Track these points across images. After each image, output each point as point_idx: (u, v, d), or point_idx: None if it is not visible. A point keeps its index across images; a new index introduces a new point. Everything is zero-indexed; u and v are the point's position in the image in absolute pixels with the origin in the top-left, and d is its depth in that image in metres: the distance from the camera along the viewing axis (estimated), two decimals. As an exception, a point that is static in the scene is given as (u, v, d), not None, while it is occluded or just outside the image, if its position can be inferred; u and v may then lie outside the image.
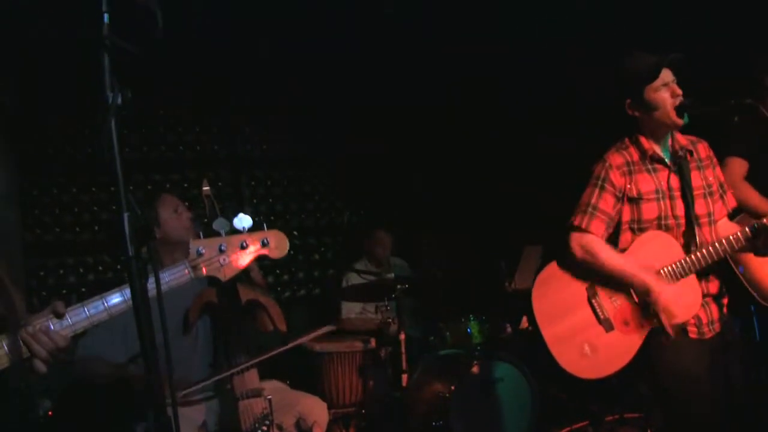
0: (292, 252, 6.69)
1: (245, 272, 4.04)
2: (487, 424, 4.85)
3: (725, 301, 3.28)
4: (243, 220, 2.37)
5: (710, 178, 3.34)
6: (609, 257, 3.23)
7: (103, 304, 2.27)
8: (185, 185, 6.43)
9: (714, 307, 3.22)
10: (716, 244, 3.14)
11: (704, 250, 3.13)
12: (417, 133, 7.00)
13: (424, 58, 6.25)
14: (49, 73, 5.41)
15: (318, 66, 6.32)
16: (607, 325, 3.23)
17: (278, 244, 2.44)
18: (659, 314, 3.08)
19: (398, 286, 5.12)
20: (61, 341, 2.25)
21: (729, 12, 5.00)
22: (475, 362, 4.95)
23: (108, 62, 1.92)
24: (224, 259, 2.35)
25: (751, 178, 3.97)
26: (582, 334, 3.25)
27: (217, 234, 2.36)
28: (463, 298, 6.16)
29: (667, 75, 3.19)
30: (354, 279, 5.97)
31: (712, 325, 3.20)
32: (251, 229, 2.39)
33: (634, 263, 3.18)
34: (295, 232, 6.82)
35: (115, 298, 2.29)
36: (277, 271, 6.84)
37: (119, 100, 1.91)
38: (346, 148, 7.04)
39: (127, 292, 2.24)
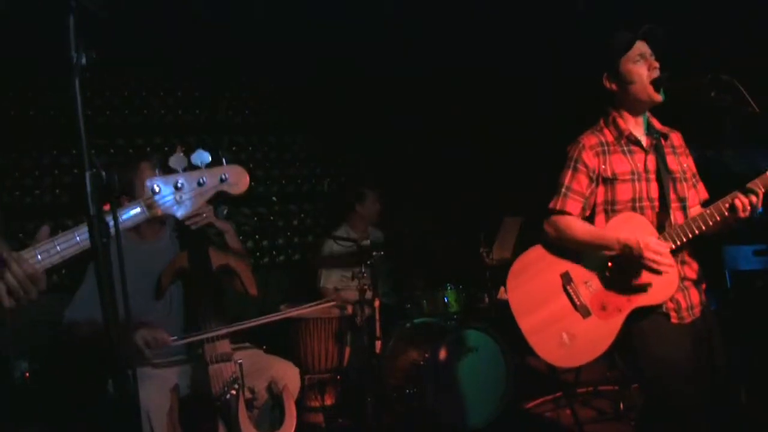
0: (272, 218, 6.78)
1: (221, 236, 4.05)
2: (460, 393, 4.88)
3: (704, 286, 3.28)
4: (201, 156, 2.23)
5: (684, 165, 3.34)
6: (583, 228, 3.24)
7: (76, 237, 2.20)
8: (165, 149, 6.38)
9: (693, 292, 3.21)
10: (690, 221, 3.13)
11: (678, 228, 3.12)
12: (400, 101, 6.97)
13: (407, 25, 6.22)
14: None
15: (300, 32, 6.27)
16: (583, 311, 3.21)
17: (238, 180, 2.28)
18: (650, 265, 3.06)
19: (374, 253, 5.11)
20: (32, 271, 2.17)
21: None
22: (450, 331, 4.97)
23: (73, 22, 1.90)
24: (181, 197, 2.21)
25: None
26: (559, 323, 3.22)
27: (174, 171, 2.22)
28: (441, 268, 6.18)
29: (643, 47, 3.19)
30: (336, 247, 5.96)
31: (691, 309, 3.19)
32: (209, 165, 2.25)
33: (608, 230, 3.19)
34: (274, 198, 6.78)
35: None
36: (257, 237, 6.82)
37: (83, 61, 1.89)
38: (328, 115, 7.00)
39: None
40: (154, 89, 6.47)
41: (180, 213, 2.23)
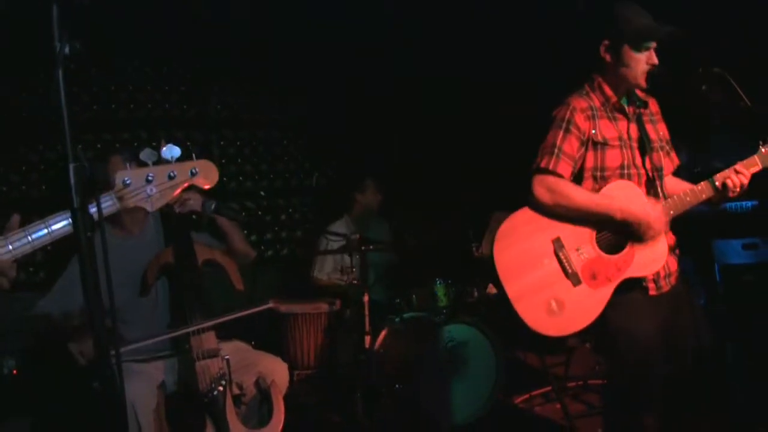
0: (260, 213, 6.76)
1: (226, 240, 4.05)
2: (450, 387, 4.86)
3: (678, 252, 3.27)
4: (171, 150, 2.28)
5: (660, 133, 3.33)
6: (582, 194, 3.13)
7: (46, 228, 2.21)
8: (153, 144, 6.34)
9: (671, 259, 3.21)
10: (682, 195, 3.13)
11: (677, 199, 3.12)
12: (389, 97, 6.95)
13: (397, 24, 6.21)
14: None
15: (289, 27, 6.26)
16: (574, 279, 3.10)
17: (207, 174, 2.36)
18: (649, 238, 3.06)
19: (362, 248, 5.09)
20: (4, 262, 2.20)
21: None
22: (440, 326, 4.96)
23: (57, 12, 1.88)
24: (151, 189, 2.27)
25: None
26: (548, 289, 3.10)
27: (145, 165, 2.28)
28: (431, 263, 6.16)
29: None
30: (332, 243, 5.89)
31: (668, 278, 3.20)
32: (179, 159, 2.31)
33: (606, 198, 3.13)
34: (263, 193, 6.77)
35: (59, 222, 2.22)
36: (245, 232, 6.79)
37: (67, 51, 1.87)
38: (317, 110, 6.98)
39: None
40: (141, 84, 6.42)
41: (151, 206, 2.29)
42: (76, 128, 1.75)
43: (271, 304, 3.93)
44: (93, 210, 2.05)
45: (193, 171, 2.33)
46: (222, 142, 6.74)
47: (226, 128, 6.78)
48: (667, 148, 3.37)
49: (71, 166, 1.87)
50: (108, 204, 2.22)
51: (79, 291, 3.45)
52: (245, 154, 6.84)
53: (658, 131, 3.32)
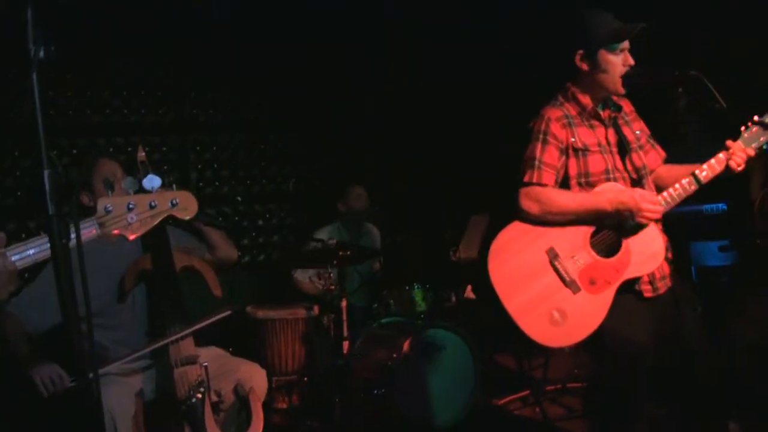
0: (237, 218, 6.73)
1: (208, 244, 4.06)
2: (429, 392, 4.85)
3: (671, 255, 3.28)
4: (152, 180, 2.33)
5: (638, 132, 3.35)
6: (569, 197, 3.15)
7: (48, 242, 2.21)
8: (129, 149, 6.30)
9: (664, 263, 3.22)
10: (671, 190, 3.13)
11: (663, 195, 3.12)
12: (366, 102, 6.96)
13: (374, 27, 6.22)
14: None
15: (266, 29, 6.25)
16: (574, 287, 3.09)
17: (187, 205, 2.40)
18: (648, 216, 3.06)
19: (339, 253, 5.07)
20: (12, 268, 2.22)
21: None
22: (418, 330, 4.95)
23: (31, 14, 1.85)
24: (132, 218, 2.31)
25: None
26: (549, 301, 3.08)
27: (126, 193, 2.33)
28: (408, 267, 6.16)
29: (625, 41, 3.16)
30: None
31: (664, 280, 3.21)
32: (160, 190, 2.35)
33: (595, 192, 3.15)
34: (239, 198, 6.74)
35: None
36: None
37: (42, 54, 1.85)
38: (295, 115, 6.96)
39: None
40: (117, 89, 6.38)
41: (131, 233, 2.33)
42: (53, 132, 1.75)
43: (230, 312, 3.89)
44: (71, 236, 2.05)
45: (174, 202, 2.38)
46: (198, 147, 6.70)
47: (203, 133, 6.73)
48: (650, 143, 3.40)
49: (46, 173, 1.85)
50: (89, 229, 2.25)
51: (51, 302, 3.47)
52: (222, 159, 6.80)
53: (635, 131, 3.34)
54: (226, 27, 6.19)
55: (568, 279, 3.11)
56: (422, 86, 6.95)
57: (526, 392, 5.46)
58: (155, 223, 2.36)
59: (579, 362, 5.50)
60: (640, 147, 3.32)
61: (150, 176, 2.33)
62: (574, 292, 3.10)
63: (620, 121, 3.31)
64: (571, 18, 3.26)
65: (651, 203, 3.05)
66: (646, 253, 3.12)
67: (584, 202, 3.13)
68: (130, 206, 2.31)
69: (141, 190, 2.32)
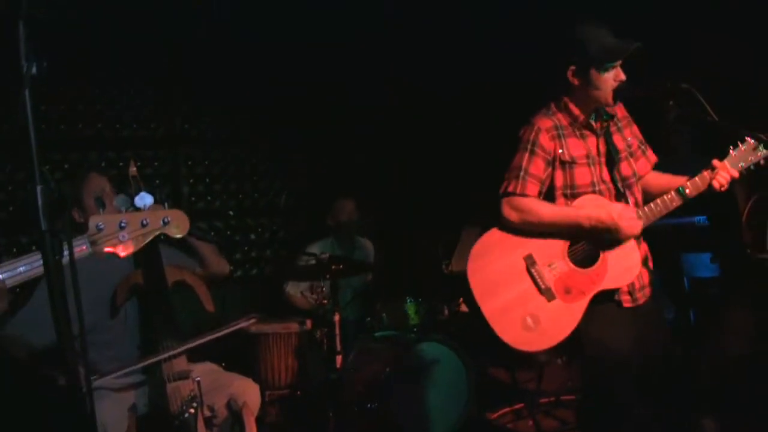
0: (229, 232, 6.71)
1: (199, 258, 4.06)
2: (422, 405, 4.85)
3: (651, 265, 3.32)
4: (144, 198, 2.34)
5: (629, 138, 3.37)
6: (549, 208, 3.20)
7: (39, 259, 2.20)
8: (120, 164, 6.28)
9: (644, 272, 3.26)
10: (652, 205, 3.18)
11: (647, 210, 3.18)
12: (356, 112, 6.94)
13: (364, 33, 6.24)
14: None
15: (256, 44, 6.26)
16: (548, 294, 3.15)
17: (179, 224, 2.40)
18: (627, 234, 3.11)
19: (332, 267, 5.06)
20: (2, 286, 2.23)
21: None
22: (411, 344, 4.95)
23: (23, 31, 1.86)
24: (123, 236, 2.31)
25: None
26: (523, 307, 3.15)
27: (118, 211, 2.33)
28: (401, 280, 6.16)
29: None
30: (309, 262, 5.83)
31: (643, 290, 3.25)
32: (152, 208, 2.36)
33: (575, 207, 3.19)
34: (231, 212, 6.73)
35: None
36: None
37: (34, 70, 1.85)
38: (286, 129, 6.95)
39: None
40: (108, 103, 6.37)
41: (122, 251, 2.32)
42: (46, 146, 1.76)
43: (250, 321, 3.88)
44: (63, 254, 2.05)
45: (165, 220, 2.38)
46: (190, 162, 6.68)
47: (195, 147, 6.72)
48: (641, 149, 3.43)
49: (38, 188, 1.85)
50: (80, 246, 2.26)
51: (45, 320, 3.46)
52: (214, 173, 6.79)
53: (626, 137, 3.36)
54: (218, 42, 6.19)
55: (543, 286, 3.17)
56: (415, 95, 6.95)
57: (520, 405, 5.46)
58: (147, 241, 2.36)
59: (572, 374, 5.50)
60: (631, 155, 3.35)
61: (142, 194, 2.33)
62: (549, 300, 3.16)
63: (612, 128, 3.33)
64: (565, 31, 3.27)
65: (629, 220, 3.10)
66: (623, 266, 3.17)
67: (563, 216, 3.18)
68: (122, 224, 2.31)
69: (133, 207, 2.33)
